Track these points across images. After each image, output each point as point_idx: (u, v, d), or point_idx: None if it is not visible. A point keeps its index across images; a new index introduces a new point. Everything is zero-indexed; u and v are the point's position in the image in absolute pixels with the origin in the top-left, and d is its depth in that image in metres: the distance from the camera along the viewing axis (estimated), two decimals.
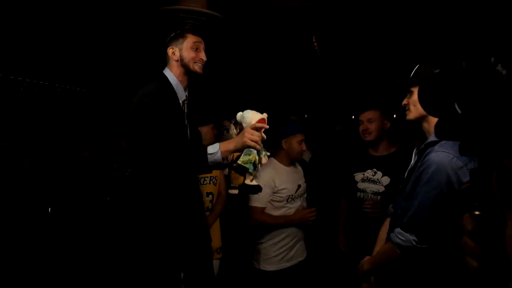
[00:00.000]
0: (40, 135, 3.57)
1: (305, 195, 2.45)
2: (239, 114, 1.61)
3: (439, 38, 2.82)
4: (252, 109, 1.63)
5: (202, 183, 2.40)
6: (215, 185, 2.48)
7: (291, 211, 2.31)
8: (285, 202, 2.30)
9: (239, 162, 1.56)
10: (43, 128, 3.60)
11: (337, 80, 5.62)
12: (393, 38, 3.34)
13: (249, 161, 1.54)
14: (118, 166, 3.26)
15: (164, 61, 1.83)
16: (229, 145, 1.53)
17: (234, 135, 1.74)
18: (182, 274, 1.76)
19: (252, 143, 1.48)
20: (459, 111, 0.45)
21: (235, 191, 1.77)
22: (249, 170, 1.55)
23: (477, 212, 0.48)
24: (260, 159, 1.57)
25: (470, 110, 0.44)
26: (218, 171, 2.46)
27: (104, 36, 3.88)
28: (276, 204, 2.29)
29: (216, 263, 2.36)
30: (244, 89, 5.64)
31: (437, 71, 0.50)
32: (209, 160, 1.52)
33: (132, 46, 4.21)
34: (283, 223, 2.27)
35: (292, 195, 2.32)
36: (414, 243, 1.38)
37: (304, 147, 2.37)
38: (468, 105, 0.44)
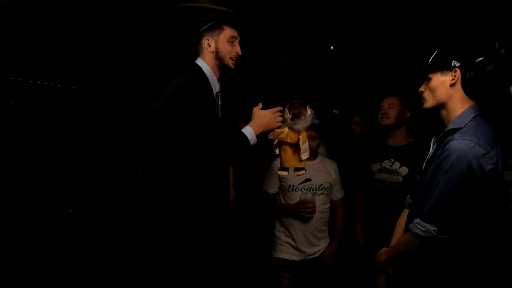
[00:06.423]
0: (59, 137, 3.66)
1: (319, 192, 2.41)
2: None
3: (458, 23, 2.72)
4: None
5: None
6: None
7: (291, 201, 2.38)
8: (286, 191, 2.41)
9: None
10: (61, 130, 3.70)
11: (352, 72, 5.49)
12: (406, 26, 3.26)
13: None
14: (129, 165, 3.29)
15: (183, 58, 1.82)
16: (259, 128, 1.66)
17: (288, 120, 1.81)
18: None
19: (278, 123, 1.69)
20: None
21: (285, 173, 1.91)
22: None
23: None
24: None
25: None
26: None
27: (119, 38, 3.94)
28: (281, 192, 2.45)
29: None
30: (258, 84, 5.60)
31: (481, 58, 0.50)
32: (250, 143, 1.61)
33: (146, 47, 4.26)
34: (277, 209, 2.43)
35: (293, 185, 2.38)
36: (434, 233, 1.34)
37: (311, 144, 2.36)
38: None
